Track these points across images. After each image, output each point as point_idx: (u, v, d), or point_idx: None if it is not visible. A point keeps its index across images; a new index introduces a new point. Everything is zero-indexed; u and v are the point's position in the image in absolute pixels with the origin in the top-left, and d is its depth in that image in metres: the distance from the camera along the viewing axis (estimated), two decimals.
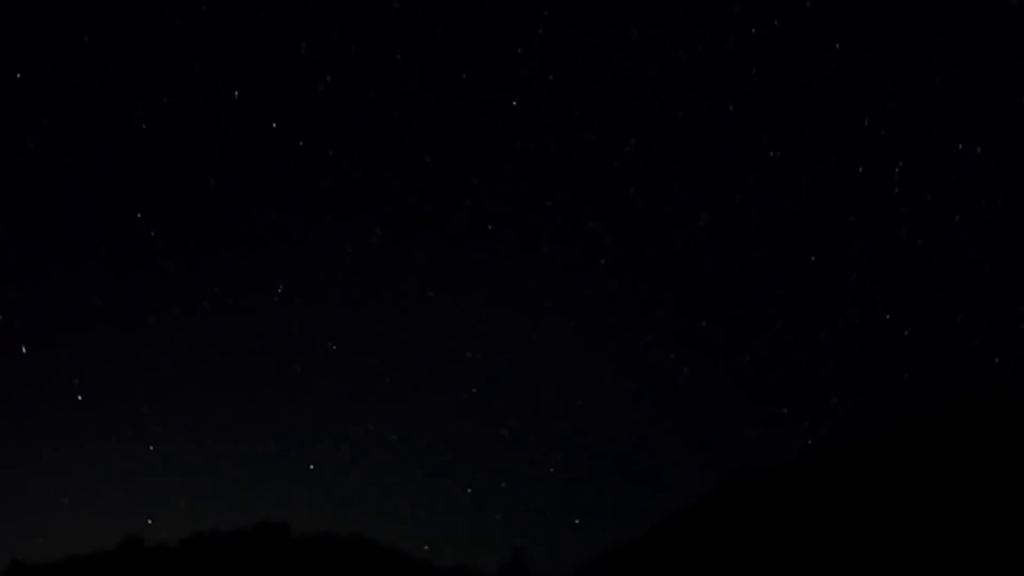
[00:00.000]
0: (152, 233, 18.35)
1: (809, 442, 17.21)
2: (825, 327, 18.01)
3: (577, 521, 18.02)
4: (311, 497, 19.51)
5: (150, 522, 18.67)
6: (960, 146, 16.88)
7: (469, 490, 18.63)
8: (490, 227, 18.74)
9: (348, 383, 19.21)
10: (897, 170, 17.08)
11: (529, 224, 18.98)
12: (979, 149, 16.77)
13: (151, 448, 18.87)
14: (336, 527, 19.83)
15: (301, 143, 18.35)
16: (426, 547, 19.34)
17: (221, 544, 22.41)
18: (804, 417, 18.19)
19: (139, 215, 18.36)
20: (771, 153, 17.68)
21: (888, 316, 17.22)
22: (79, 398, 18.07)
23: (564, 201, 18.91)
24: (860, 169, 17.51)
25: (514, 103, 18.43)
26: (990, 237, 17.15)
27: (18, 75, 17.68)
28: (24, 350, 17.95)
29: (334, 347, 18.88)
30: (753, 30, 17.12)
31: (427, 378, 19.30)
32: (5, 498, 19.44)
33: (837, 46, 17.18)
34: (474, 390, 18.83)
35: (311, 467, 18.67)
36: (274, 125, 18.13)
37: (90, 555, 21.07)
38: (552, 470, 18.43)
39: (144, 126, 18.10)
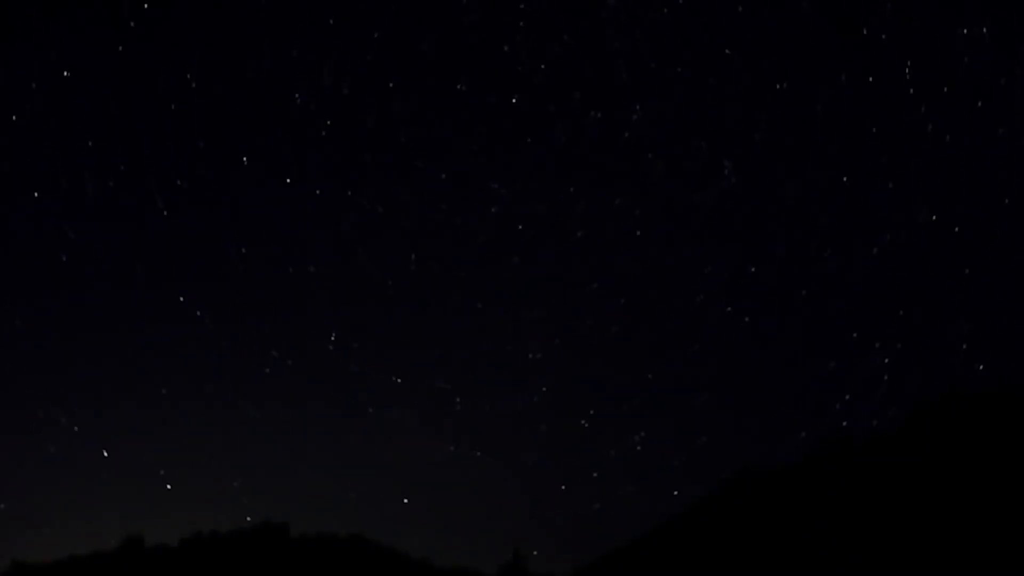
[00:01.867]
0: (198, 313, 18.74)
1: (807, 440, 17.20)
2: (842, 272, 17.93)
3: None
4: (311, 497, 19.65)
5: (150, 522, 18.82)
6: (964, 31, 16.68)
7: (563, 486, 18.82)
8: (520, 227, 18.87)
9: (423, 412, 19.42)
10: (907, 70, 16.92)
11: (558, 214, 19.10)
12: (984, 29, 16.62)
13: (163, 450, 19.17)
14: (336, 527, 19.90)
15: (318, 191, 18.63)
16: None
17: (221, 544, 22.44)
18: (804, 416, 18.22)
19: (181, 299, 18.73)
20: (778, 86, 17.66)
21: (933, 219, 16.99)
22: (164, 481, 18.56)
23: (586, 183, 19.02)
24: (870, 79, 17.37)
25: (513, 100, 18.52)
26: (1012, 110, 17.01)
27: (36, 194, 18.23)
28: (106, 454, 18.37)
29: (398, 380, 19.11)
30: None
31: (496, 389, 19.45)
32: (5, 498, 19.53)
33: None
34: (544, 388, 18.98)
35: (405, 500, 19.01)
36: (288, 180, 18.47)
37: (90, 555, 21.10)
38: (639, 448, 18.51)
39: (165, 213, 18.51)
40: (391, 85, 18.34)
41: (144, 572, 20.65)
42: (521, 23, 17.83)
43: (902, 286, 18.09)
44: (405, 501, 19.02)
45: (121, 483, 19.67)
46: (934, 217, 17.30)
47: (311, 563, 21.78)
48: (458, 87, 18.35)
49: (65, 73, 17.96)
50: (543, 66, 18.11)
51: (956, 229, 17.50)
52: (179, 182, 18.58)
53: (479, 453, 19.17)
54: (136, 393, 19.62)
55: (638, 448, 18.60)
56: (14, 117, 17.94)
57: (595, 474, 18.84)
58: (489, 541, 19.98)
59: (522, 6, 17.52)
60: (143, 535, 20.42)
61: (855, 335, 18.34)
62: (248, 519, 19.10)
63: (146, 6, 17.58)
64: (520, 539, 19.64)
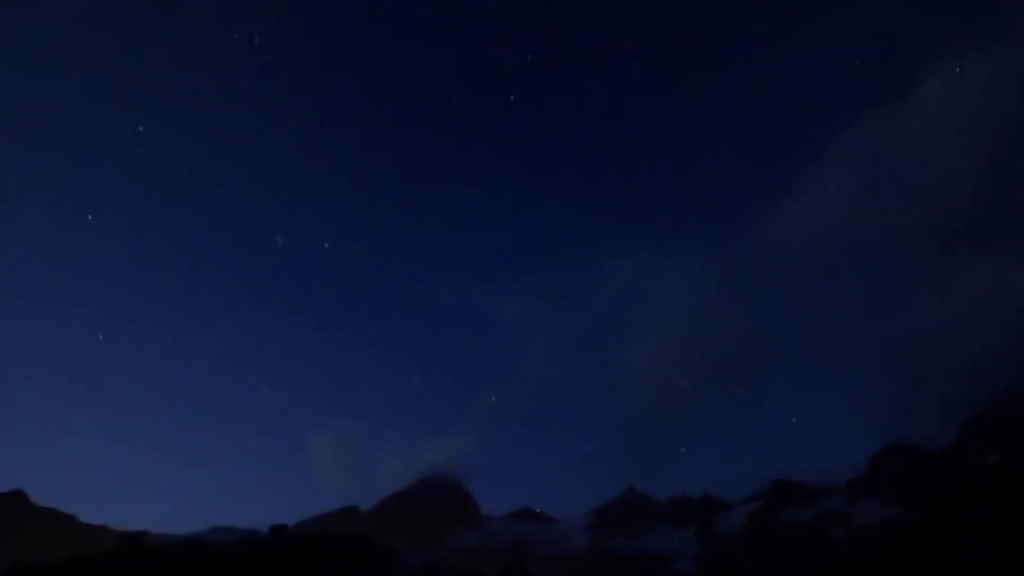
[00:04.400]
0: (266, 390, 19.44)
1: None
2: None
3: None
4: (310, 497, 19.79)
5: (150, 522, 18.90)
6: None
7: (683, 449, 19.67)
8: (558, 219, 19.31)
9: (531, 430, 20.07)
10: None
11: (597, 190, 19.62)
12: None
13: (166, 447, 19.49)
14: (336, 527, 19.96)
15: (356, 244, 19.13)
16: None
17: (221, 544, 22.37)
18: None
19: (266, 390, 19.37)
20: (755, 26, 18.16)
21: None
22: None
23: (613, 153, 19.52)
24: None
25: (512, 98, 18.67)
26: None
27: (100, 337, 19.08)
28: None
29: (494, 398, 19.91)
30: None
31: (584, 393, 19.91)
32: (6, 498, 19.63)
33: None
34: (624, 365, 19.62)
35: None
36: (326, 246, 19.06)
37: (90, 555, 21.16)
38: (740, 393, 19.39)
39: (222, 303, 19.21)
40: (390, 123, 18.73)
41: (144, 572, 20.68)
42: (496, 22, 18.09)
43: None
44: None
45: (123, 483, 19.83)
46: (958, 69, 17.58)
47: (311, 563, 21.71)
48: (455, 101, 18.69)
49: (89, 216, 18.72)
50: (530, 56, 18.37)
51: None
52: (224, 278, 19.18)
53: (591, 445, 19.78)
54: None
55: (739, 393, 19.24)
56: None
57: (693, 427, 19.49)
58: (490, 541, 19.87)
59: (490, 5, 17.85)
60: (143, 535, 20.45)
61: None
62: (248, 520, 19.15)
63: (141, 128, 18.04)
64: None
